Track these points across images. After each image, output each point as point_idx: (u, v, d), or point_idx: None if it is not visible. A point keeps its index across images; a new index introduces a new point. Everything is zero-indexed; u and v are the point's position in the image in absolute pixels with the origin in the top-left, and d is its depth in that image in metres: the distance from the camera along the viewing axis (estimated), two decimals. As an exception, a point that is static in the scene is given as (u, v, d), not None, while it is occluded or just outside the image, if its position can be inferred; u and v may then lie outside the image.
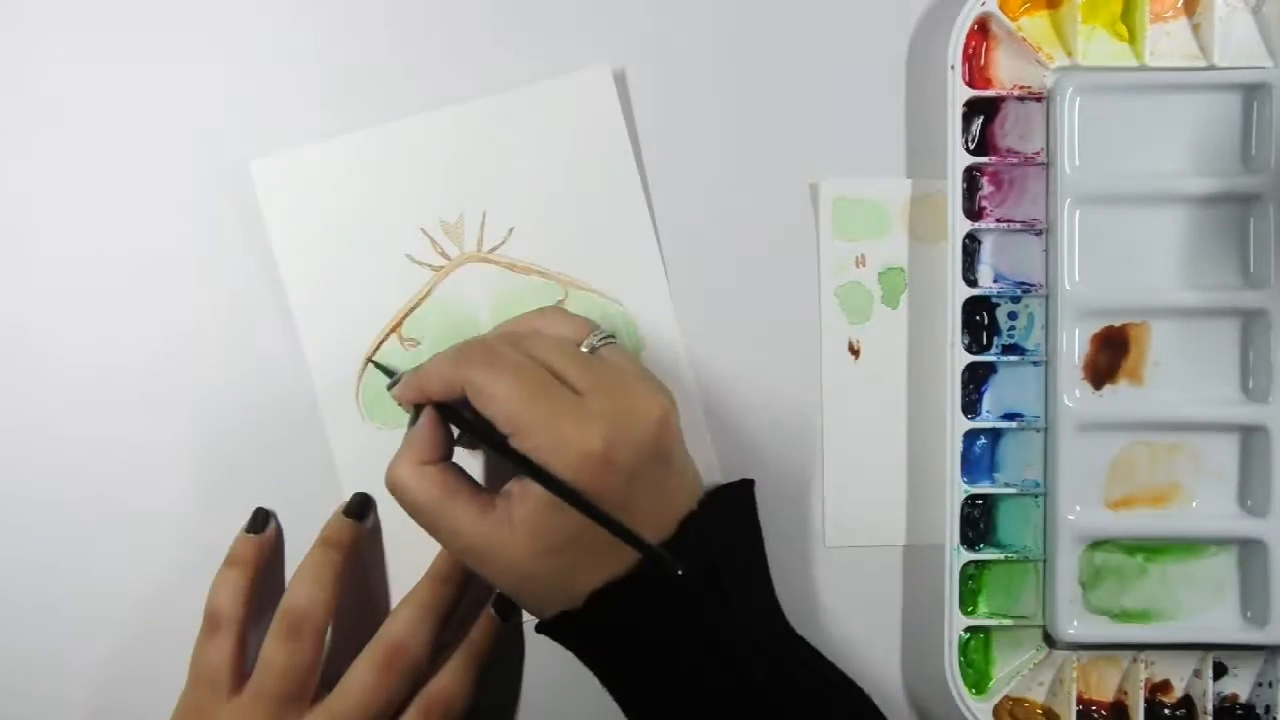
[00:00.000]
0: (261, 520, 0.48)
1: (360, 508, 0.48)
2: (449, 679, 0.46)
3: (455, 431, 0.45)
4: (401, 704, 0.45)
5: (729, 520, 0.45)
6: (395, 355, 0.49)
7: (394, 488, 0.44)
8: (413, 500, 0.43)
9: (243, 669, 0.46)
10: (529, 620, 0.50)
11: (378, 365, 0.49)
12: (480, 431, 0.42)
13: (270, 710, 0.44)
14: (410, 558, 0.48)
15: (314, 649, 0.45)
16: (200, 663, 0.46)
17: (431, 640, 0.46)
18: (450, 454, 0.45)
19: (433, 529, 0.43)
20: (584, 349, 0.44)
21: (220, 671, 0.45)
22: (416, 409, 0.45)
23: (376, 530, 0.49)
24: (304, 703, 0.45)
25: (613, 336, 0.45)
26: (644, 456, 0.42)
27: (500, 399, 0.41)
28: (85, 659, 0.49)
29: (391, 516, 0.49)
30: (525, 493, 0.42)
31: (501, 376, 0.41)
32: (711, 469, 0.49)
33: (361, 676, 0.45)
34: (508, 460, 0.42)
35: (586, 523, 0.41)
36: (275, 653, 0.45)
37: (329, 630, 0.46)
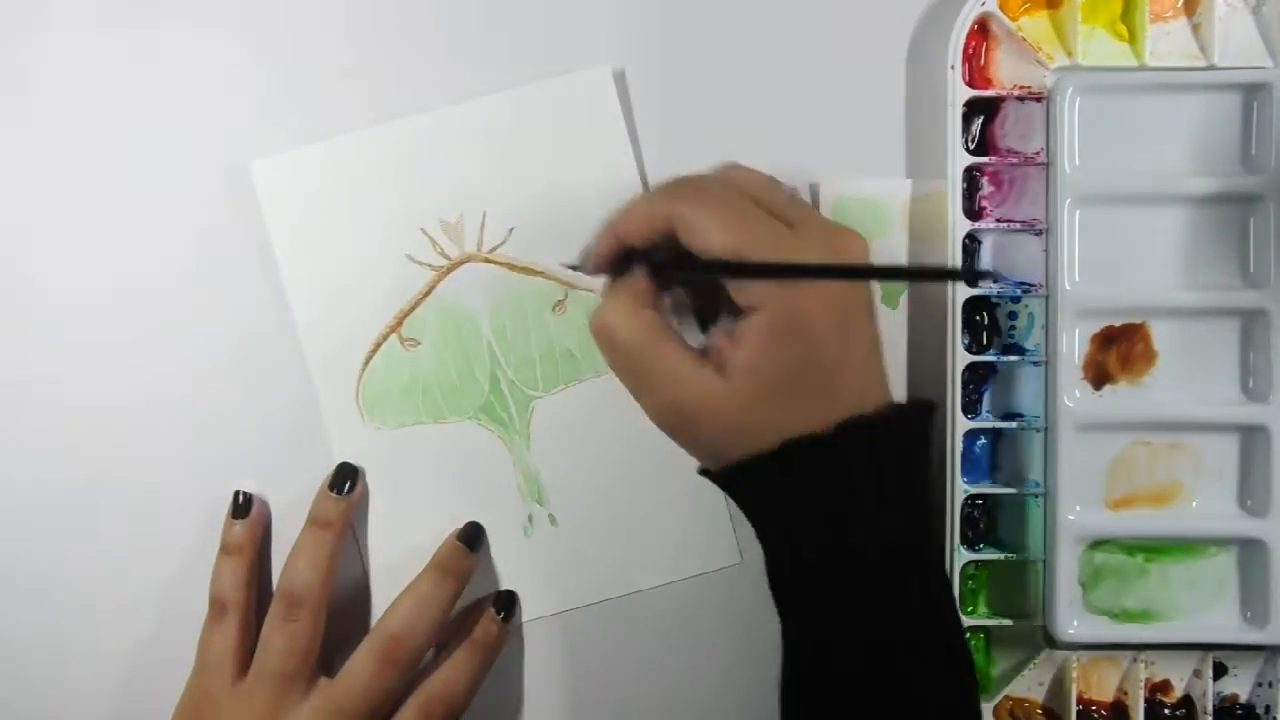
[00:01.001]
0: (245, 504, 0.48)
1: (345, 480, 0.48)
2: (449, 676, 0.46)
3: None
4: (400, 695, 0.45)
5: (914, 431, 0.43)
6: (395, 355, 0.49)
7: (603, 328, 0.42)
8: (624, 341, 0.41)
9: (247, 653, 0.46)
10: (526, 623, 0.50)
11: (408, 339, 0.49)
12: (690, 275, 0.40)
13: (273, 689, 0.45)
14: (394, 540, 0.49)
15: (312, 628, 0.46)
16: (206, 649, 0.46)
17: (432, 633, 0.46)
18: (661, 310, 0.43)
19: (641, 378, 0.41)
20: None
21: (225, 656, 0.46)
22: (613, 273, 0.43)
23: (361, 506, 0.50)
24: (305, 681, 0.45)
25: (796, 190, 0.44)
26: (857, 302, 0.41)
27: (715, 230, 0.40)
28: (86, 651, 0.49)
29: (380, 491, 0.49)
30: (739, 339, 0.40)
31: (713, 208, 0.40)
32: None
33: (362, 666, 0.45)
34: (713, 307, 0.40)
35: (801, 363, 0.39)
36: (274, 634, 0.46)
37: (325, 610, 0.46)
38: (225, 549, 0.48)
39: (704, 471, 0.42)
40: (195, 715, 0.46)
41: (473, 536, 0.49)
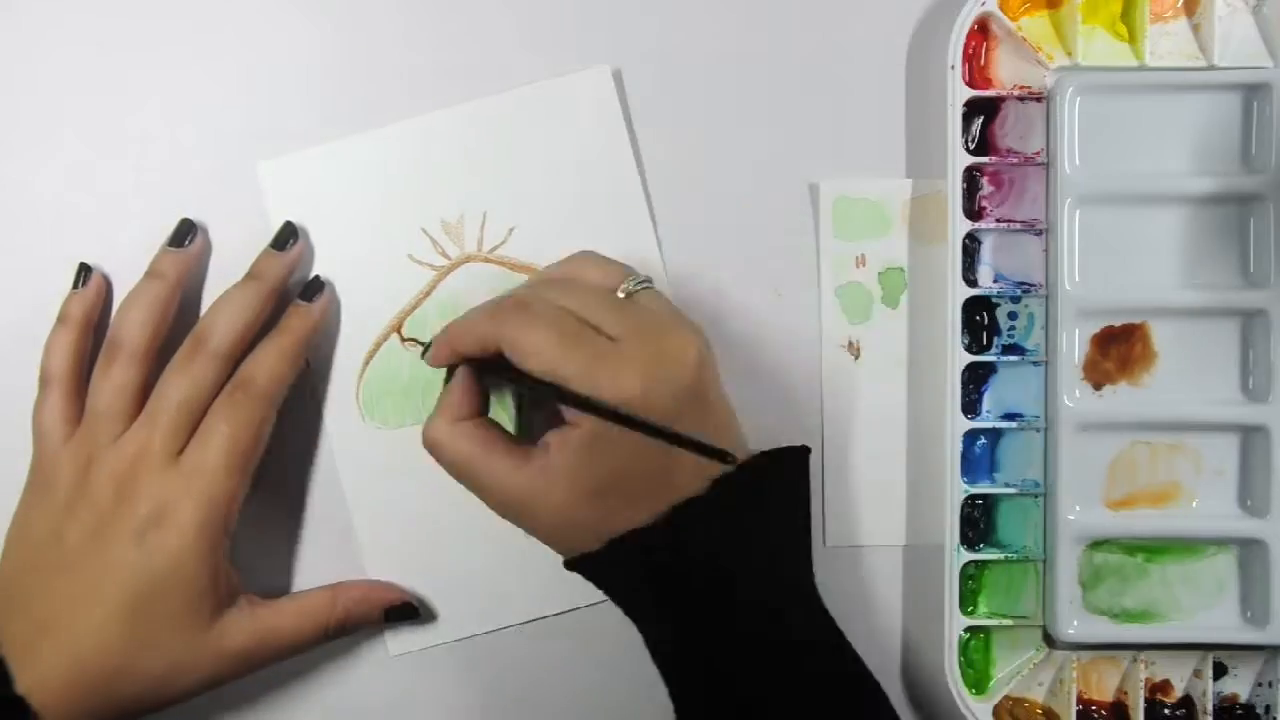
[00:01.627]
0: (84, 275, 0.48)
1: (186, 234, 0.48)
2: (254, 359, 0.46)
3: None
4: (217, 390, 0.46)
5: (771, 483, 0.44)
6: (396, 354, 0.49)
7: (431, 446, 0.44)
8: (450, 457, 0.44)
9: (75, 420, 0.46)
10: (526, 623, 0.50)
11: (408, 339, 0.49)
12: (518, 384, 0.42)
13: (101, 430, 0.45)
14: (393, 540, 0.49)
15: (137, 373, 0.46)
16: (36, 423, 0.47)
17: (241, 329, 0.46)
18: (485, 410, 0.45)
19: (471, 484, 0.44)
20: (619, 294, 0.44)
21: (54, 423, 0.46)
22: (449, 369, 0.45)
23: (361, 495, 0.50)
24: (131, 420, 0.45)
25: (649, 280, 0.45)
26: (682, 398, 0.42)
27: (536, 352, 0.41)
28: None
29: (380, 491, 0.49)
30: (563, 440, 0.42)
31: (536, 329, 0.41)
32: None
33: (173, 365, 0.46)
34: (548, 402, 0.41)
35: (624, 464, 0.41)
36: (99, 379, 0.46)
37: (153, 357, 0.46)
38: (60, 320, 0.48)
39: (569, 564, 0.44)
40: (34, 485, 0.46)
41: (282, 240, 0.48)
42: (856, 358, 0.50)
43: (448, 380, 0.45)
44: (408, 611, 0.49)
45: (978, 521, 0.49)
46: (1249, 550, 0.48)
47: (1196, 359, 0.48)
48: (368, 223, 0.49)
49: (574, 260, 0.46)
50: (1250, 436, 0.48)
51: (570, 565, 0.44)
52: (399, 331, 0.49)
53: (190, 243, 0.48)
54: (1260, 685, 0.49)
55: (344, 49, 0.50)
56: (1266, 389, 0.47)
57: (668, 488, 0.42)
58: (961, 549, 0.48)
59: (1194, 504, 0.49)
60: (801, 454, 0.45)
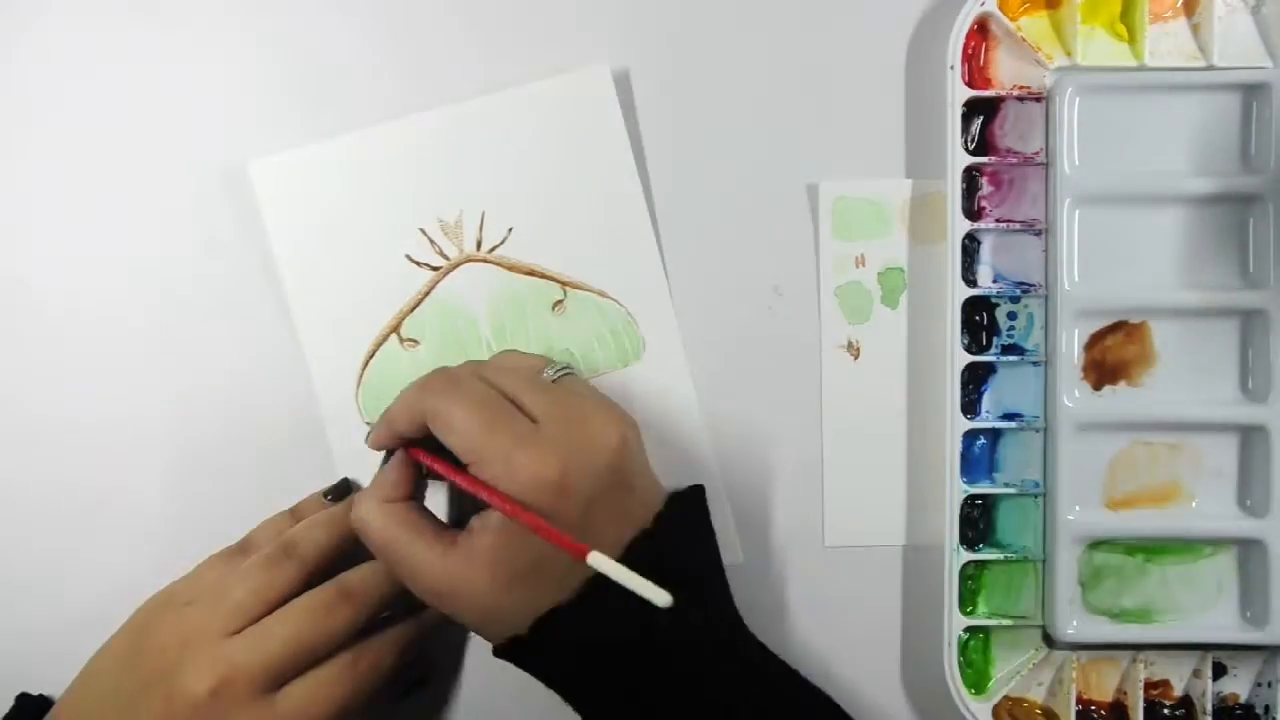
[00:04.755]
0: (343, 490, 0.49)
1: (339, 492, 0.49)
2: (388, 636, 0.46)
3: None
4: (338, 645, 0.44)
5: (681, 529, 0.45)
6: (395, 355, 0.49)
7: (358, 524, 0.44)
8: (376, 538, 0.43)
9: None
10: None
11: (407, 340, 0.49)
12: (443, 463, 0.43)
13: (222, 618, 0.43)
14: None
15: (287, 584, 0.44)
16: (202, 569, 0.46)
17: (387, 598, 0.45)
18: (418, 494, 0.45)
19: (395, 567, 0.43)
20: (544, 377, 0.45)
21: (199, 588, 0.45)
22: (388, 451, 0.45)
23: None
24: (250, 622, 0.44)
25: (569, 369, 0.46)
26: (601, 483, 0.42)
27: (458, 427, 0.42)
28: (78, 660, 0.49)
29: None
30: (484, 525, 0.42)
31: (460, 404, 0.42)
32: (710, 468, 0.49)
33: (305, 602, 0.44)
34: (468, 491, 0.42)
35: (546, 550, 0.41)
36: (251, 568, 0.44)
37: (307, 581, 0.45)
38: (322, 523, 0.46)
39: (498, 651, 0.44)
40: (137, 629, 0.45)
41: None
42: (856, 358, 0.50)
43: (384, 462, 0.45)
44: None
45: (977, 521, 0.49)
46: (1248, 550, 0.48)
47: (1196, 359, 0.48)
48: (364, 223, 0.49)
49: (498, 354, 0.48)
50: (1250, 436, 0.48)
51: (499, 653, 0.43)
52: (398, 332, 0.49)
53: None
54: (1260, 685, 0.49)
55: (342, 46, 0.49)
56: (1266, 389, 0.47)
57: (582, 567, 0.41)
58: (961, 549, 0.48)
59: (1193, 504, 0.49)
60: (698, 492, 0.46)
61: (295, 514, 0.48)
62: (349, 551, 0.46)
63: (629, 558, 0.42)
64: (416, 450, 0.44)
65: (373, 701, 0.45)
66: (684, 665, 0.43)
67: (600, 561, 0.39)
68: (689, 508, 0.46)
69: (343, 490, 0.49)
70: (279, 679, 0.42)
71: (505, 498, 0.41)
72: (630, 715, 0.43)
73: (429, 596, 0.43)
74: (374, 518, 0.43)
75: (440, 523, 0.44)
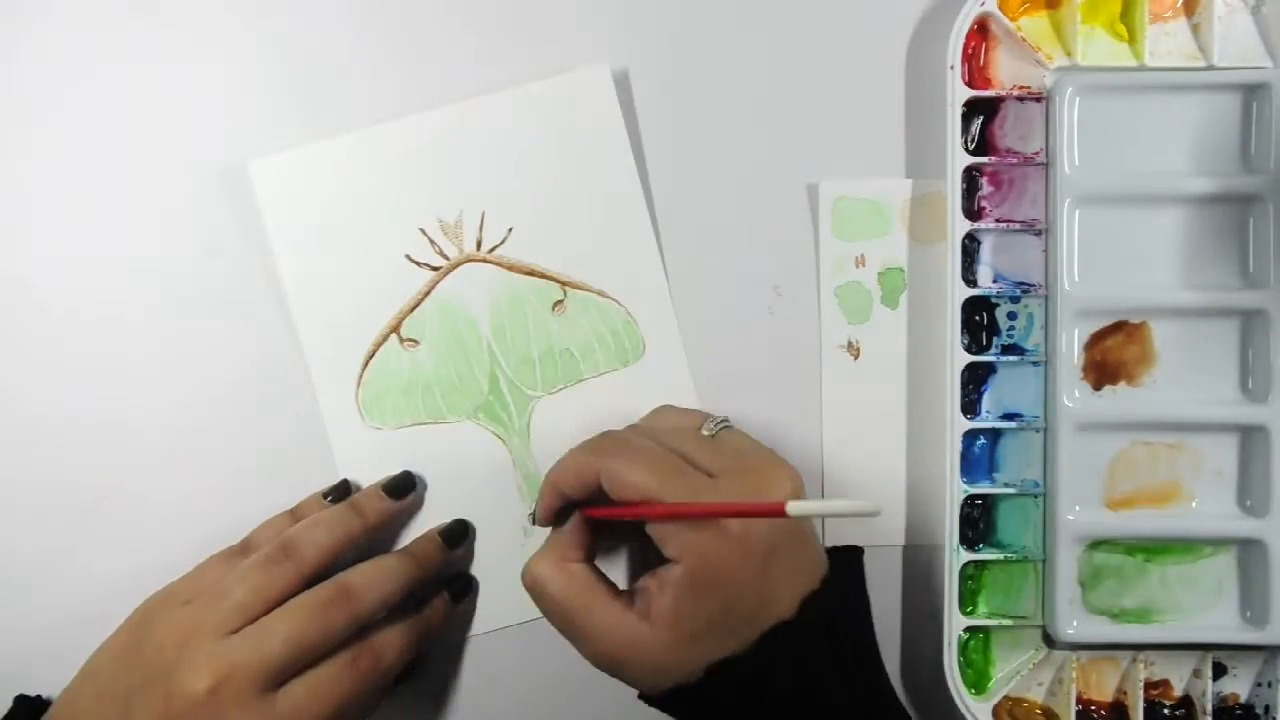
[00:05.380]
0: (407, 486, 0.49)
1: (403, 488, 0.49)
2: (386, 636, 0.45)
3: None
4: (335, 645, 0.44)
5: (846, 591, 0.46)
6: (395, 355, 0.49)
7: (534, 583, 0.44)
8: (553, 596, 0.44)
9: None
10: (526, 623, 0.50)
11: (407, 340, 0.49)
12: (626, 506, 0.43)
13: (221, 616, 0.43)
14: (391, 540, 0.48)
15: (286, 585, 0.44)
16: (204, 567, 0.46)
17: (383, 599, 0.45)
18: (592, 557, 0.45)
19: (570, 627, 0.44)
20: (704, 434, 0.45)
21: (201, 586, 0.45)
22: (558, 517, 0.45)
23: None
24: (250, 621, 0.43)
25: (726, 421, 0.46)
26: (779, 534, 0.42)
27: (637, 484, 0.42)
28: (77, 660, 0.49)
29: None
30: (663, 584, 0.42)
31: (636, 462, 0.42)
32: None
33: (306, 600, 0.44)
34: (653, 531, 0.42)
35: (724, 603, 0.41)
36: (249, 567, 0.44)
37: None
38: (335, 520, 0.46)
39: (654, 700, 0.44)
40: (136, 625, 0.45)
41: (454, 535, 0.49)
42: (856, 358, 0.50)
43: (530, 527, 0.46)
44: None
45: (977, 521, 0.49)
46: (1248, 550, 0.48)
47: (1196, 359, 0.48)
48: (364, 223, 0.49)
49: (654, 412, 0.48)
50: (1250, 436, 0.48)
51: (653, 701, 0.43)
52: (398, 332, 0.49)
53: (404, 498, 0.49)
54: (1260, 685, 0.49)
55: (342, 46, 0.49)
56: (1266, 389, 0.47)
57: (764, 616, 0.42)
58: (961, 549, 0.48)
59: (1193, 504, 0.49)
60: (858, 557, 0.47)
61: (295, 514, 0.48)
62: (347, 552, 0.46)
63: (802, 617, 0.43)
64: (592, 510, 0.44)
65: (371, 699, 0.45)
66: (838, 698, 0.43)
67: (800, 507, 0.38)
68: (851, 570, 0.46)
69: (342, 491, 0.49)
70: (279, 678, 0.42)
71: (701, 505, 0.41)
72: None
73: (602, 659, 0.43)
74: (553, 576, 0.44)
75: (614, 585, 0.44)
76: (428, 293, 0.49)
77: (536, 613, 0.49)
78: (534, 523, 0.46)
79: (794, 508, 0.38)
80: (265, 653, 0.42)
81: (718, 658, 0.42)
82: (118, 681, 0.43)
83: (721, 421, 0.45)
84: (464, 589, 0.49)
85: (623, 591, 0.44)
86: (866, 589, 0.47)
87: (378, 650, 0.45)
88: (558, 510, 0.45)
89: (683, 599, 0.42)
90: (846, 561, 0.46)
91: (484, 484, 0.50)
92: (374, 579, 0.45)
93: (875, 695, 0.45)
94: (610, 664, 0.43)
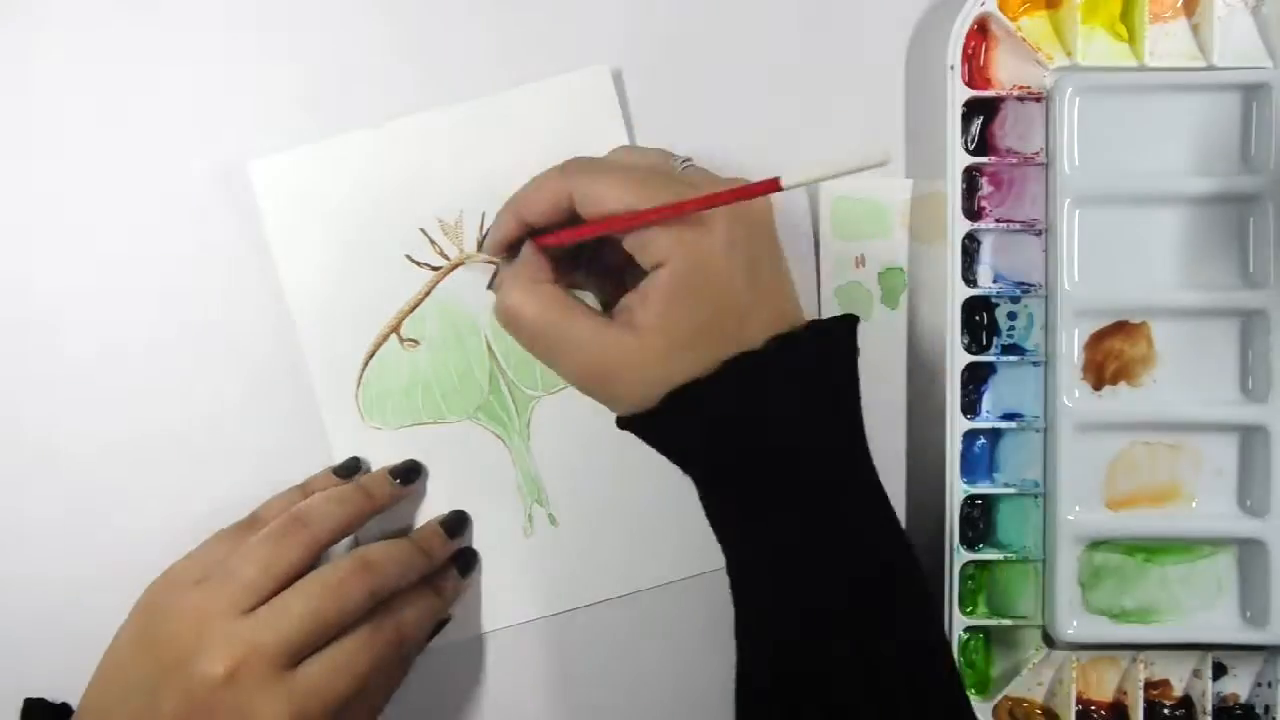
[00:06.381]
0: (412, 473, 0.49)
1: (410, 474, 0.49)
2: (404, 609, 0.45)
3: None
4: (350, 621, 0.43)
5: (827, 351, 0.43)
6: (395, 355, 0.49)
7: (508, 312, 0.42)
8: (531, 320, 0.42)
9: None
10: (527, 623, 0.50)
11: (407, 340, 0.49)
12: (593, 224, 0.41)
13: (234, 596, 0.42)
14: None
15: (298, 559, 0.43)
16: (208, 545, 0.45)
17: (392, 580, 0.44)
18: (557, 279, 0.43)
19: (553, 349, 0.42)
20: (673, 165, 0.43)
21: (211, 563, 0.44)
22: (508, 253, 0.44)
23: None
24: (264, 599, 0.43)
25: (690, 160, 0.44)
26: (762, 239, 0.41)
27: (613, 197, 0.40)
28: (79, 659, 0.49)
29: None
30: (646, 295, 0.40)
31: (614, 176, 0.41)
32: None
33: (323, 576, 0.43)
34: (631, 241, 0.40)
35: (711, 311, 0.40)
36: (260, 543, 0.44)
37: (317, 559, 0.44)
38: (340, 497, 0.46)
39: (623, 422, 0.42)
40: (147, 614, 0.44)
41: (453, 524, 0.49)
42: (856, 358, 0.50)
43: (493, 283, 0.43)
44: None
45: (977, 521, 0.49)
46: (1248, 550, 0.48)
47: (1196, 359, 0.48)
48: (364, 223, 0.49)
49: (616, 150, 0.45)
50: (1250, 436, 0.48)
51: (626, 424, 0.42)
52: (398, 332, 0.49)
53: (412, 483, 0.49)
54: (1260, 685, 0.49)
55: (340, 46, 0.49)
56: (1266, 389, 0.47)
57: (735, 341, 0.40)
58: (961, 549, 0.48)
59: (1193, 504, 0.49)
60: (852, 322, 0.43)
61: (305, 490, 0.48)
62: (355, 532, 0.46)
63: (768, 350, 0.41)
64: (549, 236, 0.43)
65: (394, 672, 0.45)
66: (809, 456, 0.41)
67: (795, 175, 0.37)
68: (837, 332, 0.43)
69: (352, 468, 0.49)
70: (297, 655, 0.42)
71: (693, 200, 0.39)
72: (742, 495, 0.42)
73: (588, 378, 0.42)
74: (526, 302, 0.42)
75: (592, 307, 0.43)
76: (428, 293, 0.49)
77: (537, 613, 0.50)
78: (479, 249, 0.44)
79: (789, 178, 0.36)
80: (283, 631, 0.41)
81: (685, 381, 0.40)
82: (138, 674, 0.42)
83: (685, 160, 0.44)
84: (470, 562, 0.49)
85: (600, 312, 0.42)
86: (856, 357, 0.43)
87: (395, 623, 0.44)
88: (512, 239, 0.44)
89: (672, 302, 0.40)
90: (832, 324, 0.43)
91: (484, 484, 0.50)
92: (391, 555, 0.45)
93: (844, 453, 0.42)
94: (596, 378, 0.42)
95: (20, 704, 0.47)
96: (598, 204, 0.41)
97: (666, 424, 0.41)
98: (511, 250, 0.44)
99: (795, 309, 0.43)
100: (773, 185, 0.37)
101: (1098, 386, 0.49)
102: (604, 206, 0.41)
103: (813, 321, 0.43)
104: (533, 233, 0.44)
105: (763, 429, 0.41)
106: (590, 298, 0.47)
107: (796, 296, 0.44)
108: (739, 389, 0.41)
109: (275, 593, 0.42)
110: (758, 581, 0.42)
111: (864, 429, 0.43)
